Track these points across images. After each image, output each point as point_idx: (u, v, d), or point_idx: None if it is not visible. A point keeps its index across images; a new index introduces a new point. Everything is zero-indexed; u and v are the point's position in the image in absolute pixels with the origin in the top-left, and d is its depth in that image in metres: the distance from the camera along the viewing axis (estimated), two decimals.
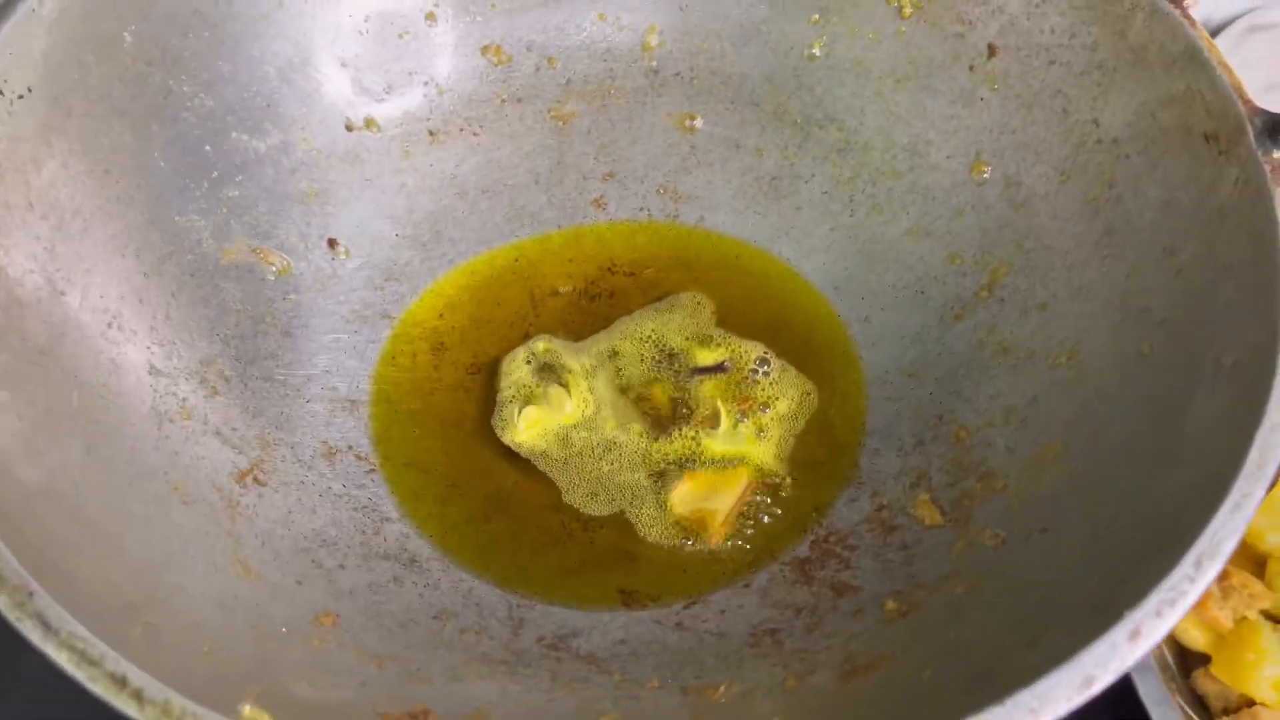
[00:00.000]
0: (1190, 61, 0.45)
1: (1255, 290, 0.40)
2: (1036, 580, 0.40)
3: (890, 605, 0.44)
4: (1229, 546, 0.33)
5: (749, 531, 0.50)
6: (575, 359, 0.54)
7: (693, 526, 0.50)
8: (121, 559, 0.38)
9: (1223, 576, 0.49)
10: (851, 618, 0.44)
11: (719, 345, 0.55)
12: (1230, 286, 0.41)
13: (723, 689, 0.41)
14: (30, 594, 0.31)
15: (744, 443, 0.52)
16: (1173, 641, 0.50)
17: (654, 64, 0.62)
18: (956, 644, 0.39)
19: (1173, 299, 0.44)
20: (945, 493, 0.48)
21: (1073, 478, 0.43)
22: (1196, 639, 0.50)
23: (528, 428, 0.52)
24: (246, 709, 0.32)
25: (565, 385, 0.53)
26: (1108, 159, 0.49)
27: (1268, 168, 0.41)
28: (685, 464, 0.52)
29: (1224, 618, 0.49)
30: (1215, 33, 0.80)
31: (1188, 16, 0.47)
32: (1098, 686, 0.31)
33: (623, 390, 0.54)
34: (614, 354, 0.55)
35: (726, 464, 0.51)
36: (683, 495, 0.50)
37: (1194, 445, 0.38)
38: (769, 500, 0.51)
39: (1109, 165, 0.49)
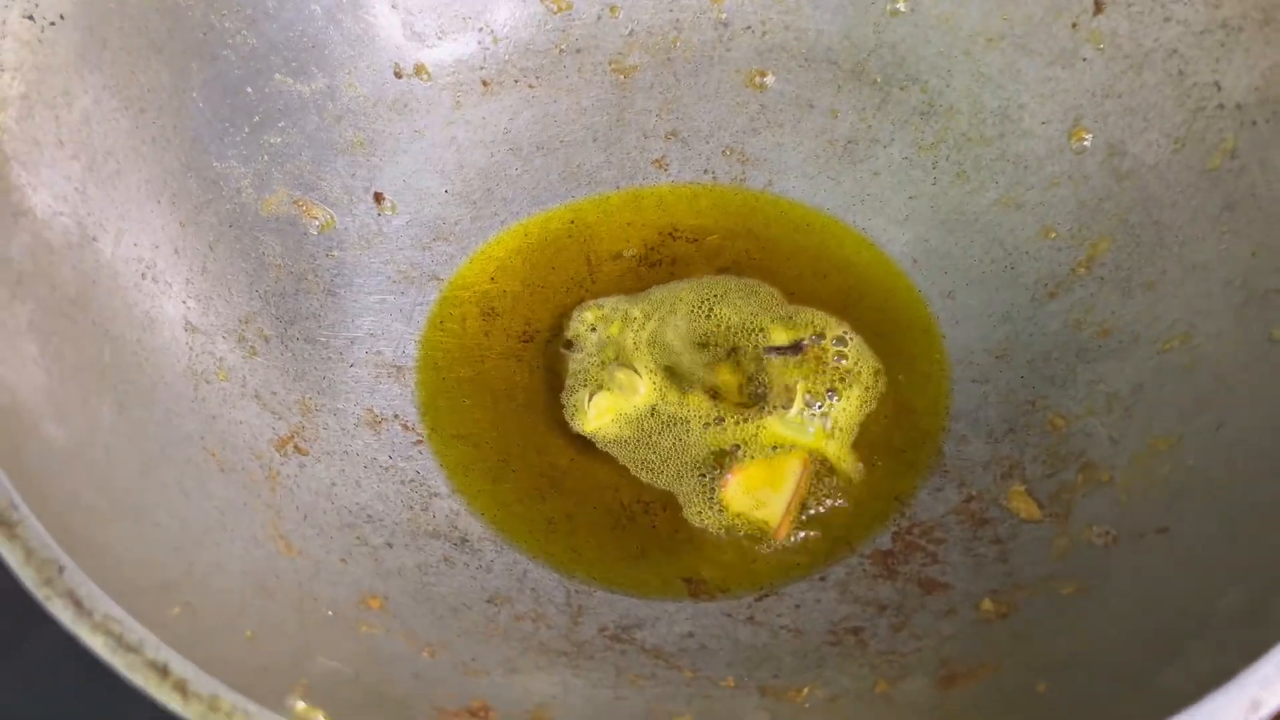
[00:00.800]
0: None
1: None
2: (1163, 586, 0.36)
3: (986, 605, 0.40)
4: None
5: (822, 521, 0.46)
6: (635, 332, 0.51)
7: (752, 527, 0.46)
8: (156, 532, 0.34)
9: None
10: (943, 618, 0.41)
11: (793, 323, 0.51)
12: None
13: (806, 691, 0.38)
14: (61, 569, 0.28)
15: (813, 431, 0.48)
16: None
17: (723, 16, 0.58)
18: (1074, 653, 0.35)
19: None
20: (1042, 484, 0.45)
21: (1192, 473, 0.39)
22: None
23: (598, 416, 0.48)
24: (300, 705, 0.28)
25: (633, 366, 0.49)
26: (1230, 126, 0.45)
27: None
28: (743, 449, 0.48)
29: None
30: None
31: None
32: (1265, 712, 0.27)
33: (686, 371, 0.50)
34: (677, 328, 0.51)
35: (783, 449, 0.47)
36: (735, 493, 0.46)
37: None
38: (842, 488, 0.47)
39: (1231, 133, 0.45)
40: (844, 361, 0.50)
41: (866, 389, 0.50)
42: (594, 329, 0.51)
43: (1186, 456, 0.40)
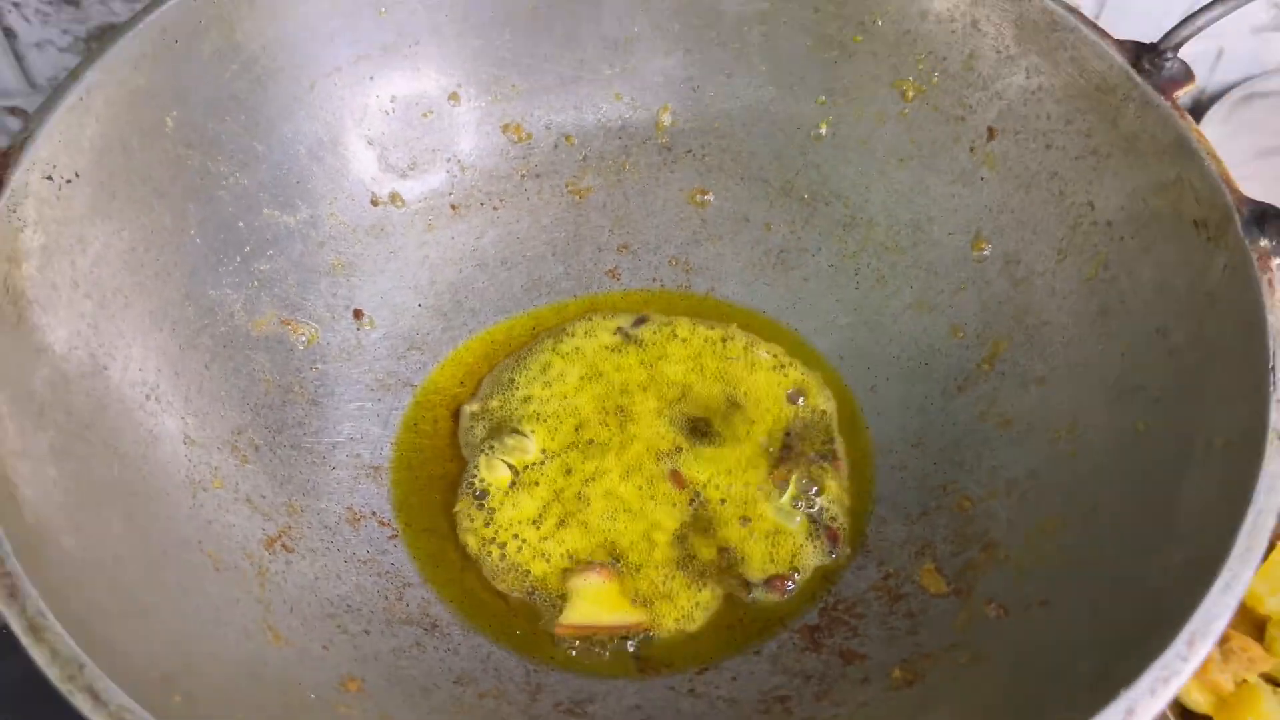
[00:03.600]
0: (1180, 151, 0.48)
1: (1244, 374, 0.42)
2: (1038, 653, 0.41)
3: (896, 673, 0.45)
4: (1219, 626, 0.34)
5: (751, 595, 0.51)
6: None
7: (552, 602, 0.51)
8: (160, 629, 0.39)
9: (1223, 640, 0.51)
10: (859, 685, 0.46)
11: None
12: (1221, 369, 0.43)
13: None
14: (81, 667, 0.33)
15: (798, 522, 0.53)
16: (1176, 704, 0.52)
17: (667, 141, 0.65)
18: (960, 717, 0.40)
19: (1166, 379, 0.46)
20: (950, 562, 0.50)
21: (1070, 551, 0.45)
22: (1199, 701, 0.51)
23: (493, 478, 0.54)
24: None
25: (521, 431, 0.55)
26: (1103, 240, 0.51)
27: (1255, 255, 0.43)
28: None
29: (1225, 681, 0.51)
30: (1213, 100, 0.83)
31: (1178, 108, 0.49)
32: None
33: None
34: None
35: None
36: (587, 584, 0.51)
37: (1187, 524, 0.40)
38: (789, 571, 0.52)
39: (1104, 247, 0.51)
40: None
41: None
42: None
43: (1068, 535, 0.46)
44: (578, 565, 0.52)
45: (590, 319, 0.61)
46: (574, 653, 0.49)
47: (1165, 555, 0.40)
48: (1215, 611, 0.35)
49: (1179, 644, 0.34)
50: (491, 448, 0.55)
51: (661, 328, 0.60)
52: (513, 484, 0.54)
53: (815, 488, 0.54)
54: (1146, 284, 0.49)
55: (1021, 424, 0.52)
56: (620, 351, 0.59)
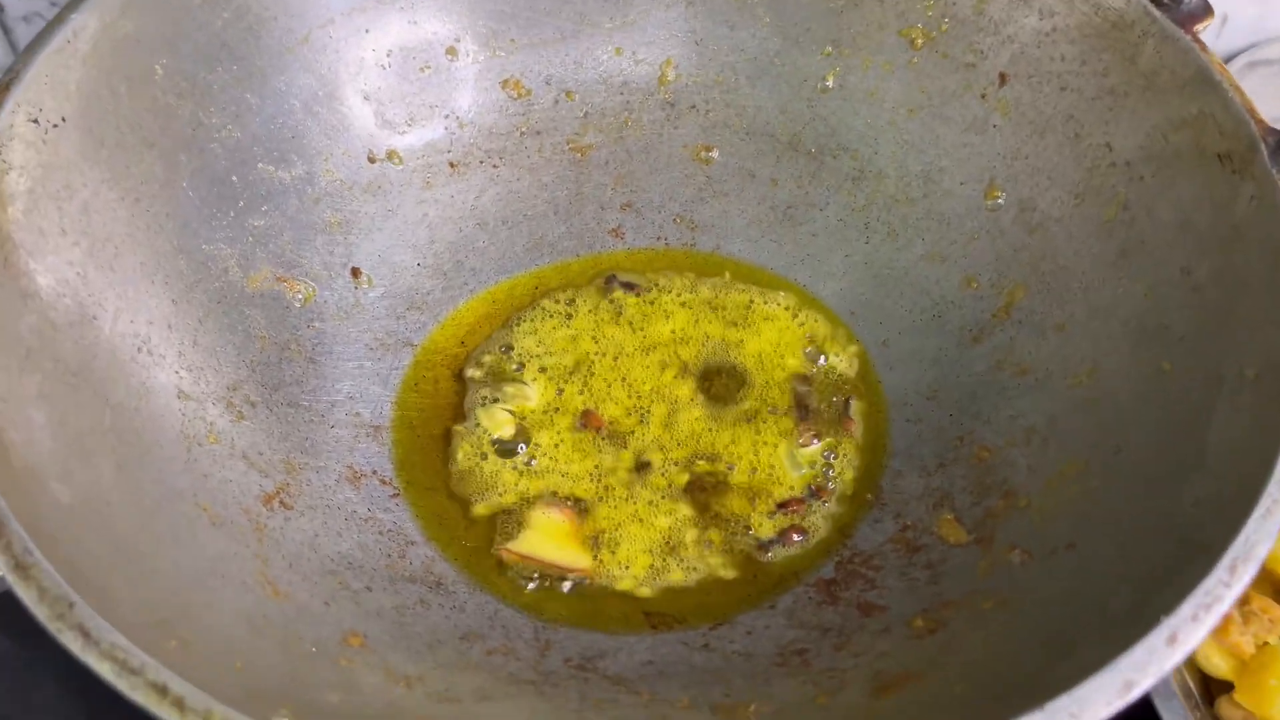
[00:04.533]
0: (1201, 84, 0.46)
1: (1274, 303, 0.40)
2: (1067, 595, 0.40)
3: (918, 623, 0.44)
4: (1262, 551, 0.33)
5: (768, 555, 0.50)
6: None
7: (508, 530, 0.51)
8: (153, 577, 0.38)
9: (1243, 601, 0.49)
10: (879, 636, 0.44)
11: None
12: (1249, 301, 0.42)
13: (753, 707, 0.41)
14: (71, 605, 0.31)
15: (801, 474, 0.52)
16: (1195, 668, 0.50)
17: (670, 97, 0.63)
18: (988, 658, 0.39)
19: (1191, 316, 0.44)
20: (969, 512, 0.49)
21: (1096, 494, 0.43)
22: (1219, 666, 0.50)
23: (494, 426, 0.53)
24: None
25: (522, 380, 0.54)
26: (1121, 181, 0.50)
27: None
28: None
29: (1246, 644, 0.49)
30: None
31: (1198, 41, 0.48)
32: (1137, 691, 0.31)
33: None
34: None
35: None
36: (545, 519, 0.51)
37: (1218, 457, 0.39)
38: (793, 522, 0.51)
39: (1123, 187, 0.50)
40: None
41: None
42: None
43: (1091, 480, 0.44)
44: (546, 499, 0.51)
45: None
46: (527, 586, 0.49)
47: (1197, 490, 0.38)
48: (1256, 537, 0.33)
49: (1221, 569, 0.33)
50: (491, 399, 0.54)
51: (663, 290, 0.59)
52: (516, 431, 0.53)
53: (832, 453, 0.53)
54: (1168, 223, 0.47)
55: (1040, 371, 0.51)
56: (620, 308, 0.58)
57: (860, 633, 0.45)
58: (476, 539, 0.50)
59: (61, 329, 0.43)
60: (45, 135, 0.44)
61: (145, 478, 0.42)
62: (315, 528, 0.48)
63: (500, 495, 0.52)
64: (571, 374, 0.56)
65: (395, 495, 0.51)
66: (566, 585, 0.49)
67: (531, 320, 0.58)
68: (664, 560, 0.50)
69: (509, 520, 0.51)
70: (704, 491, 0.52)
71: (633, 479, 0.52)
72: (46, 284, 0.43)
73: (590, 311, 0.58)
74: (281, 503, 0.48)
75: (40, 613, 0.31)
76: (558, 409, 0.54)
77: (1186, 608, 0.32)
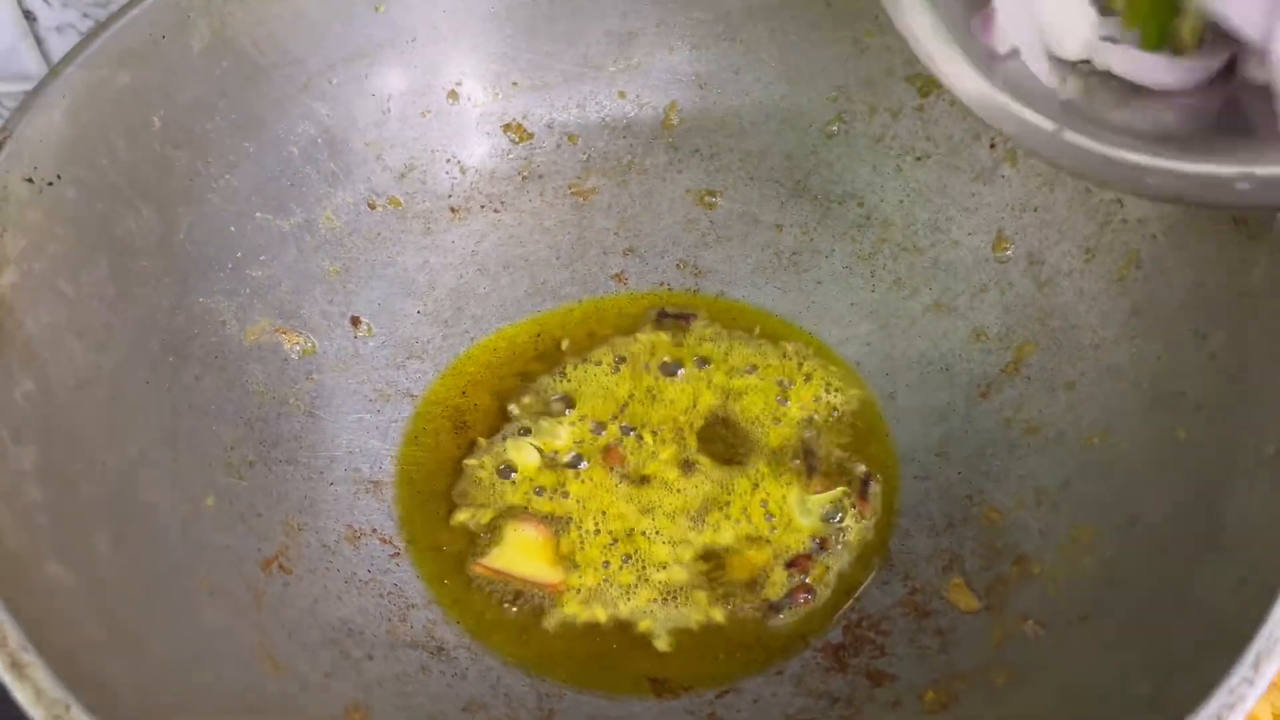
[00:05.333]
0: None
1: None
2: (1083, 674, 0.39)
3: (929, 696, 0.43)
4: None
5: (780, 617, 0.49)
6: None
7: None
8: (151, 659, 0.37)
9: None
10: (889, 709, 0.43)
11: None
12: (1265, 373, 0.41)
13: None
14: (68, 707, 0.30)
15: (809, 523, 0.52)
16: None
17: (673, 141, 0.63)
18: None
19: (1207, 383, 0.44)
20: (979, 577, 0.48)
21: (1110, 565, 0.43)
22: None
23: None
24: None
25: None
26: (1133, 238, 0.50)
27: None
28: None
29: (1262, 714, 0.49)
30: None
31: None
32: None
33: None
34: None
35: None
36: (524, 535, 0.51)
37: (1238, 538, 0.38)
38: (801, 581, 0.50)
39: (1135, 244, 0.49)
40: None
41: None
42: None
43: (1106, 549, 0.44)
44: (521, 515, 0.52)
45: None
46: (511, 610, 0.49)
47: (1217, 569, 0.37)
48: None
49: (1244, 665, 0.32)
50: (522, 431, 0.54)
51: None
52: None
53: (839, 510, 0.52)
54: (1181, 284, 0.47)
55: (1051, 431, 0.50)
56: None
57: (870, 704, 0.44)
58: (479, 601, 0.50)
59: (58, 394, 0.42)
60: (40, 194, 0.44)
61: (142, 549, 0.41)
62: (315, 592, 0.47)
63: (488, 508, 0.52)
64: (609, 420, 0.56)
65: (395, 555, 0.51)
66: (537, 599, 0.49)
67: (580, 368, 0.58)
68: (667, 606, 0.49)
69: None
70: (713, 548, 0.51)
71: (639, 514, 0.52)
72: (43, 348, 0.42)
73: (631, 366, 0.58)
74: (281, 567, 0.47)
75: (37, 715, 0.30)
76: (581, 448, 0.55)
77: (1211, 707, 0.32)
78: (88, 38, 0.46)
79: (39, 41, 0.70)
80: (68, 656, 0.33)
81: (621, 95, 0.62)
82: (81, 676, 0.32)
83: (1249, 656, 0.32)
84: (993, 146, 0.56)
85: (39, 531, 0.37)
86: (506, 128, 0.61)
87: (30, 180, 0.43)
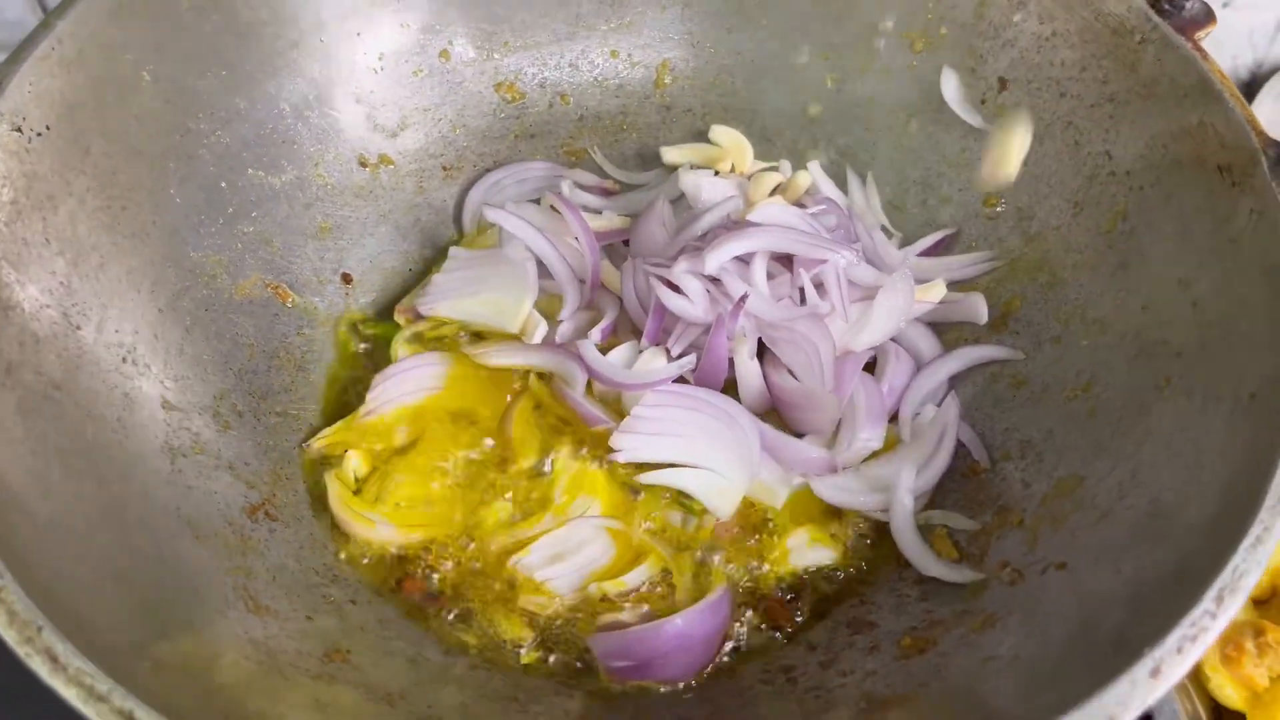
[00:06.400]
0: (1202, 94, 0.45)
1: (1272, 322, 0.39)
2: (1056, 617, 0.39)
3: (906, 641, 0.43)
4: (1249, 581, 0.32)
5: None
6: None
7: None
8: (131, 595, 0.38)
9: (1258, 634, 0.49)
10: (867, 654, 0.44)
11: None
12: (1247, 319, 0.41)
13: None
14: (39, 629, 0.31)
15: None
16: (1208, 697, 0.49)
17: (666, 100, 0.63)
18: (973, 682, 0.38)
19: (1189, 332, 0.43)
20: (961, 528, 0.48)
21: (1089, 512, 0.43)
22: (1232, 697, 0.49)
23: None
24: None
25: None
26: (1121, 191, 0.49)
27: None
28: None
29: (1259, 675, 0.48)
30: (1272, 72, 0.78)
31: (1199, 49, 0.47)
32: None
33: None
34: None
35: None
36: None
37: (1213, 479, 0.38)
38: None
39: (1122, 198, 0.49)
40: None
41: None
42: None
43: (1085, 496, 0.44)
44: None
45: None
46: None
47: (1191, 512, 0.37)
48: (1245, 566, 0.33)
49: (1207, 600, 0.32)
50: None
51: None
52: None
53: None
54: (1167, 235, 0.46)
55: (1036, 384, 0.50)
56: None
57: (849, 650, 0.44)
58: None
59: (44, 341, 0.42)
60: (29, 144, 0.44)
61: (128, 492, 0.42)
62: (301, 539, 0.47)
63: None
64: None
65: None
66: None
67: None
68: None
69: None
70: None
71: None
72: (29, 295, 0.42)
73: None
74: (266, 514, 0.47)
75: (9, 636, 0.31)
76: None
77: (1171, 639, 0.32)
78: None
79: (43, 7, 0.71)
80: (44, 588, 0.33)
81: (614, 54, 0.62)
82: (57, 607, 0.33)
83: (1212, 590, 0.32)
84: (984, 102, 0.55)
85: (23, 470, 0.38)
86: (499, 87, 0.61)
87: (19, 130, 0.44)
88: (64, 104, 0.45)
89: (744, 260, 0.52)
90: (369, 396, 0.51)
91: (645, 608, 0.47)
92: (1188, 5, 0.48)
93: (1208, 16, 0.48)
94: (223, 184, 0.53)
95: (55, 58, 0.45)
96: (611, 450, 0.48)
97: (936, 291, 0.54)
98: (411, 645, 0.45)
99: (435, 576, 0.48)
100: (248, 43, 0.53)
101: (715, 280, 0.51)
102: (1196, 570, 0.34)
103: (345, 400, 0.54)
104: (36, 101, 0.44)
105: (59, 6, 0.46)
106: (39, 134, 0.44)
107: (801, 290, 0.51)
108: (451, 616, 0.47)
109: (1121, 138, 0.49)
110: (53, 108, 0.45)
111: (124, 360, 0.46)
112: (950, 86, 0.55)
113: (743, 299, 0.49)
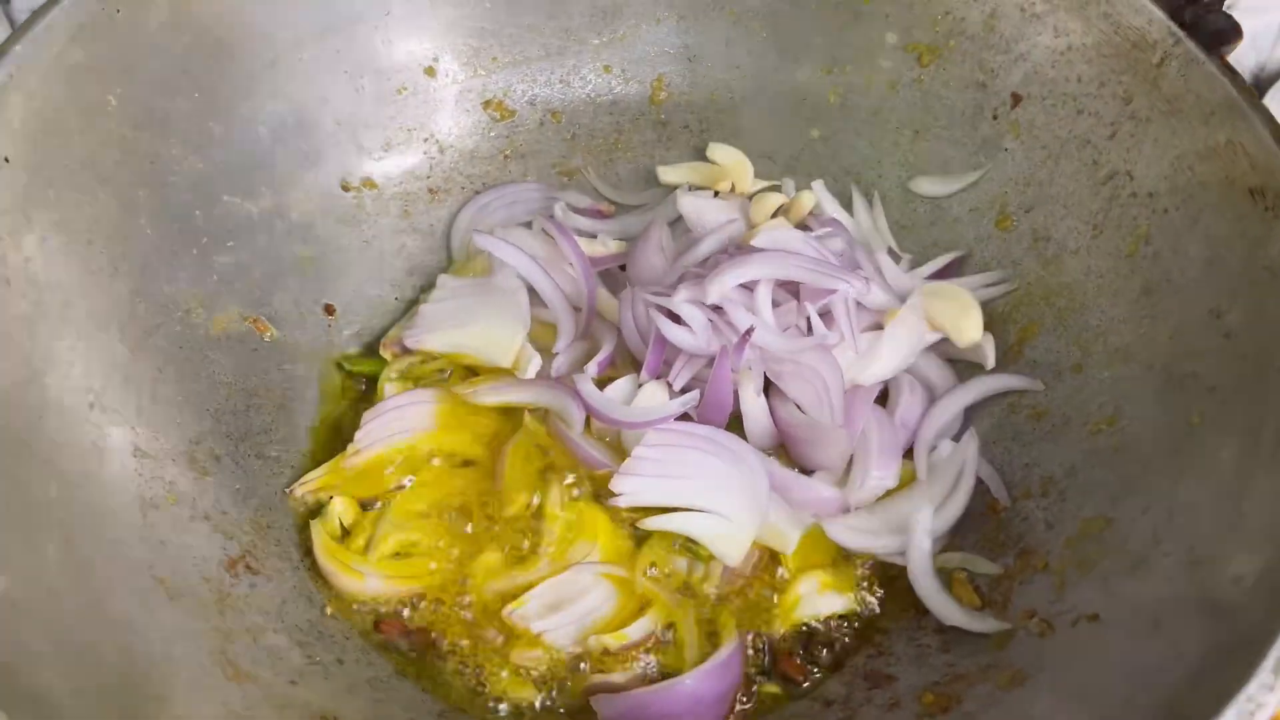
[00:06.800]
0: (1230, 113, 0.43)
1: None
2: (1093, 681, 0.36)
3: (929, 698, 0.41)
4: None
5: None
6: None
7: None
8: (100, 670, 0.35)
9: None
10: (887, 712, 0.41)
11: None
12: None
13: None
14: None
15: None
16: None
17: (662, 117, 0.60)
18: None
19: (1223, 365, 0.41)
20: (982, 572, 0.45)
21: (1120, 559, 0.40)
22: None
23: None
24: None
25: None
26: (1143, 213, 0.47)
27: None
28: None
29: None
30: (1275, 77, 0.76)
31: (1226, 65, 0.44)
32: None
33: None
34: None
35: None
36: None
37: (1258, 527, 0.35)
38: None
39: (1145, 220, 0.47)
40: None
41: None
42: None
43: (1114, 540, 0.41)
44: None
45: None
46: None
47: (1237, 563, 0.35)
48: None
49: (1264, 671, 0.30)
50: None
51: None
52: None
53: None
54: (1195, 260, 0.44)
55: (1057, 416, 0.48)
56: None
57: (867, 706, 0.42)
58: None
59: (5, 390, 0.39)
60: None
61: (96, 554, 0.39)
62: (283, 593, 0.45)
63: None
64: None
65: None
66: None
67: None
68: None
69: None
70: None
71: None
72: None
73: None
74: (247, 566, 0.45)
75: None
76: None
77: (1228, 715, 0.29)
78: (38, 12, 0.44)
79: (12, 24, 0.68)
80: (6, 670, 0.31)
81: (607, 70, 0.60)
82: (18, 692, 0.30)
83: (1269, 661, 0.30)
84: (995, 118, 0.53)
85: None
86: (487, 105, 0.59)
87: None
88: (24, 133, 0.42)
89: (747, 287, 0.49)
90: (356, 436, 0.49)
91: (638, 669, 0.44)
92: (1212, 19, 0.45)
93: (1234, 31, 0.45)
94: (196, 213, 0.50)
95: (13, 84, 0.42)
96: (612, 494, 0.45)
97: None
98: (406, 708, 0.42)
99: (408, 615, 0.46)
100: (221, 62, 0.50)
101: (717, 309, 0.49)
102: (1248, 633, 0.31)
103: (331, 442, 0.51)
104: None
105: (18, 29, 0.43)
106: None
107: (808, 319, 0.49)
108: (447, 671, 0.45)
109: (1144, 157, 0.47)
110: (11, 137, 0.42)
111: (92, 407, 0.43)
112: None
113: (748, 333, 0.47)
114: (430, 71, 0.57)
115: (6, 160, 0.42)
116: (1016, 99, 0.52)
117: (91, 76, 0.45)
